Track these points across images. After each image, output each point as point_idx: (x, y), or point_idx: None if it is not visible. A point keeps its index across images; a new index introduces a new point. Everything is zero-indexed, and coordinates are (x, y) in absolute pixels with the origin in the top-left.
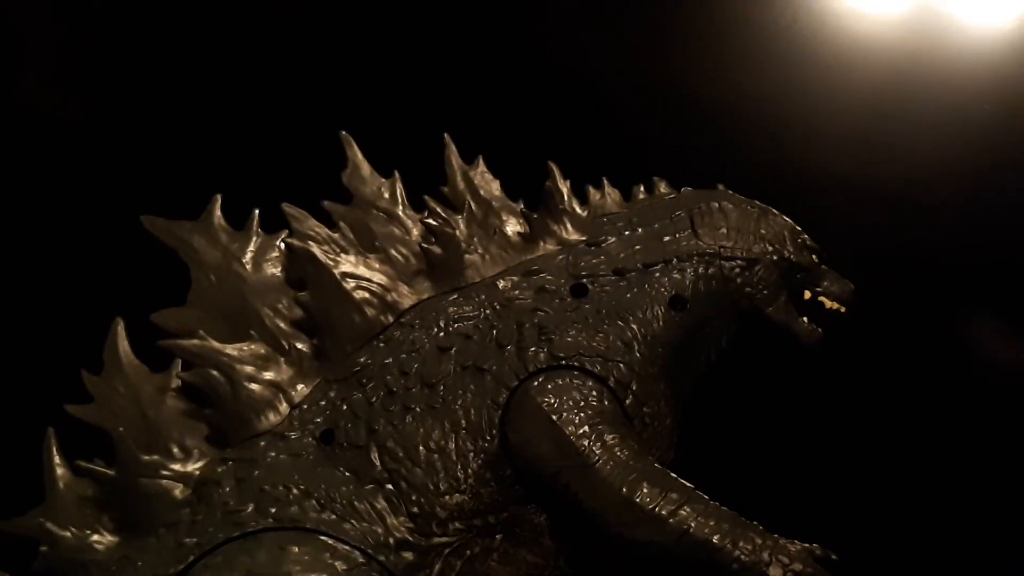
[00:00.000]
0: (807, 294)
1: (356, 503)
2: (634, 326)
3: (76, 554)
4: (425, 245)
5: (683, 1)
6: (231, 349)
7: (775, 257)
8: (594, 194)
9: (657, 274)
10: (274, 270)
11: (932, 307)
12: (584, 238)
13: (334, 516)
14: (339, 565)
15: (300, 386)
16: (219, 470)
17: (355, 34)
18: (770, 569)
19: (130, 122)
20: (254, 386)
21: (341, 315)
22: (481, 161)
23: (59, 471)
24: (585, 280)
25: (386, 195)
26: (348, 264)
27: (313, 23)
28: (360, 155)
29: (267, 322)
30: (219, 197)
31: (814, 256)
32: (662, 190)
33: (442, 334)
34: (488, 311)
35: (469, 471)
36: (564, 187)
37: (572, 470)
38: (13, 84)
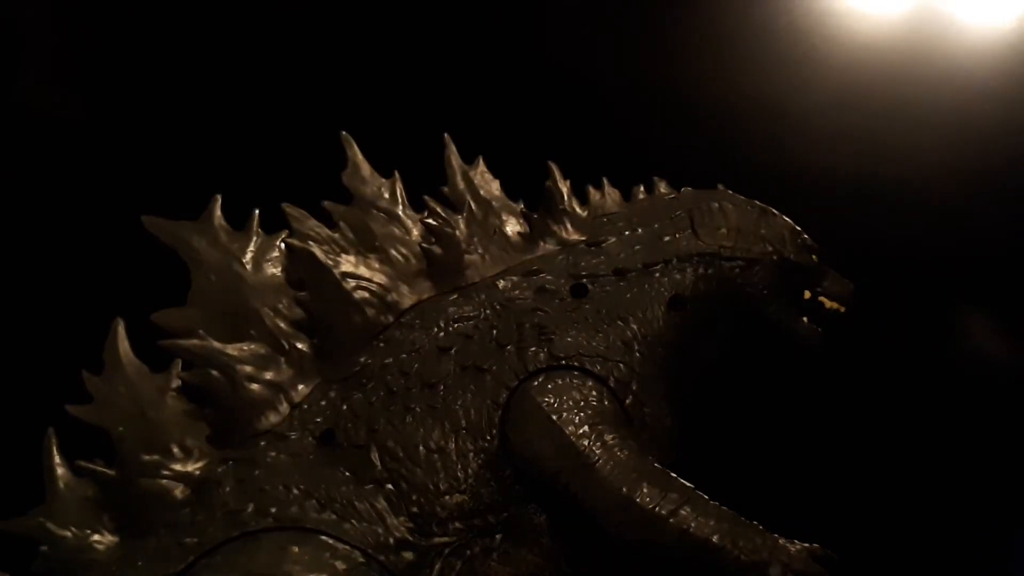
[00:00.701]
0: (807, 294)
1: (356, 503)
2: (634, 326)
3: (76, 554)
4: (425, 245)
5: (683, 1)
6: (231, 349)
7: (775, 257)
8: (594, 194)
9: (657, 274)
10: (274, 270)
11: (932, 307)
12: (584, 238)
13: (334, 516)
14: (339, 565)
15: (300, 386)
16: (219, 470)
17: (355, 34)
18: (770, 569)
19: (130, 122)
20: (254, 386)
21: (341, 315)
22: (481, 161)
23: (59, 471)
24: (585, 280)
25: (386, 195)
26: (348, 264)
27: (313, 23)
28: (360, 155)
29: (267, 322)
30: (219, 197)
31: (814, 256)
32: (662, 190)
33: (442, 334)
34: (488, 311)
35: (469, 471)
36: (564, 187)
37: (572, 470)
38: (13, 84)
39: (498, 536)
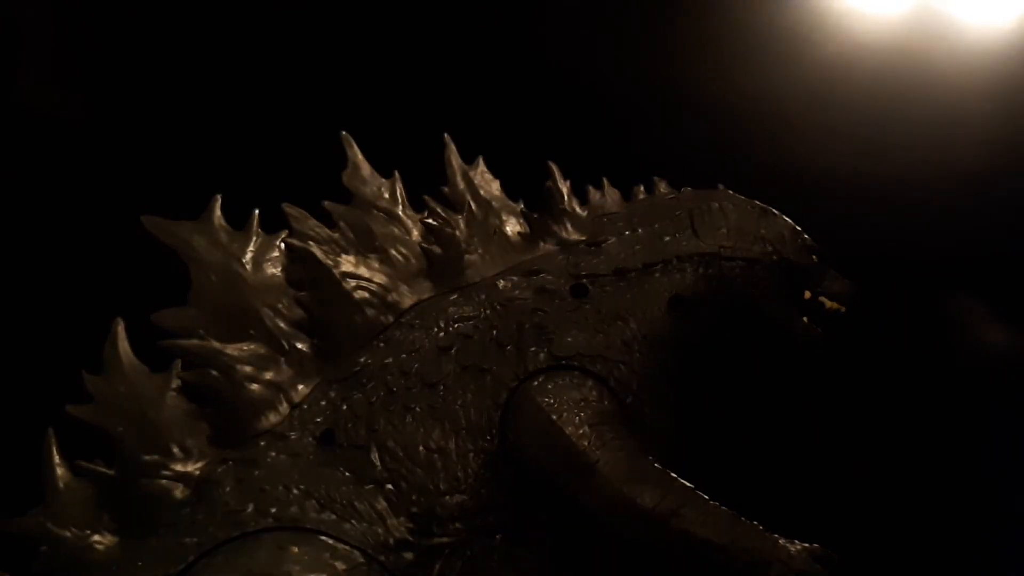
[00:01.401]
0: (807, 294)
1: (356, 503)
2: (634, 326)
3: (76, 554)
4: (425, 245)
5: (683, 1)
6: (231, 349)
7: (775, 257)
8: (594, 194)
9: (657, 274)
10: (274, 270)
11: (932, 307)
12: (584, 238)
13: (334, 516)
14: (339, 565)
15: (300, 386)
16: (219, 470)
17: (355, 34)
18: (770, 569)
19: (130, 122)
20: (254, 386)
21: (341, 315)
22: (481, 161)
23: (59, 471)
24: (585, 280)
25: (386, 195)
26: (348, 264)
27: (313, 23)
28: (360, 155)
29: (267, 322)
30: (219, 197)
31: (814, 256)
32: (662, 190)
33: (442, 334)
34: (488, 311)
35: (469, 471)
36: (564, 187)
37: (572, 470)
38: (13, 84)
39: (498, 536)
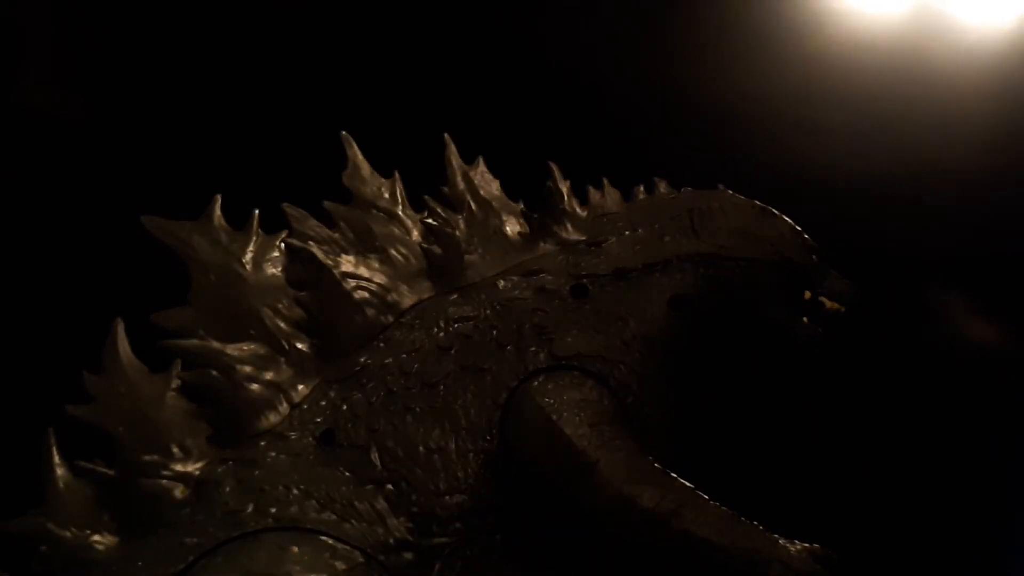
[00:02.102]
0: (807, 294)
1: (356, 503)
2: (634, 326)
3: (76, 554)
4: (425, 245)
5: (683, 1)
6: (231, 349)
7: (775, 257)
8: (594, 194)
9: (657, 274)
10: (274, 270)
11: (932, 307)
12: (584, 238)
13: (334, 516)
14: (339, 565)
15: (300, 386)
16: (219, 470)
17: (355, 34)
18: (770, 569)
19: (130, 122)
20: (254, 386)
21: (341, 315)
22: (481, 161)
23: (59, 471)
24: (585, 280)
25: (386, 195)
26: (348, 264)
27: (313, 23)
28: (360, 155)
29: (267, 322)
30: (219, 197)
31: (814, 256)
32: (662, 190)
33: (442, 334)
34: (488, 311)
35: (469, 471)
36: (564, 187)
37: (572, 470)
38: (13, 84)
39: (498, 536)
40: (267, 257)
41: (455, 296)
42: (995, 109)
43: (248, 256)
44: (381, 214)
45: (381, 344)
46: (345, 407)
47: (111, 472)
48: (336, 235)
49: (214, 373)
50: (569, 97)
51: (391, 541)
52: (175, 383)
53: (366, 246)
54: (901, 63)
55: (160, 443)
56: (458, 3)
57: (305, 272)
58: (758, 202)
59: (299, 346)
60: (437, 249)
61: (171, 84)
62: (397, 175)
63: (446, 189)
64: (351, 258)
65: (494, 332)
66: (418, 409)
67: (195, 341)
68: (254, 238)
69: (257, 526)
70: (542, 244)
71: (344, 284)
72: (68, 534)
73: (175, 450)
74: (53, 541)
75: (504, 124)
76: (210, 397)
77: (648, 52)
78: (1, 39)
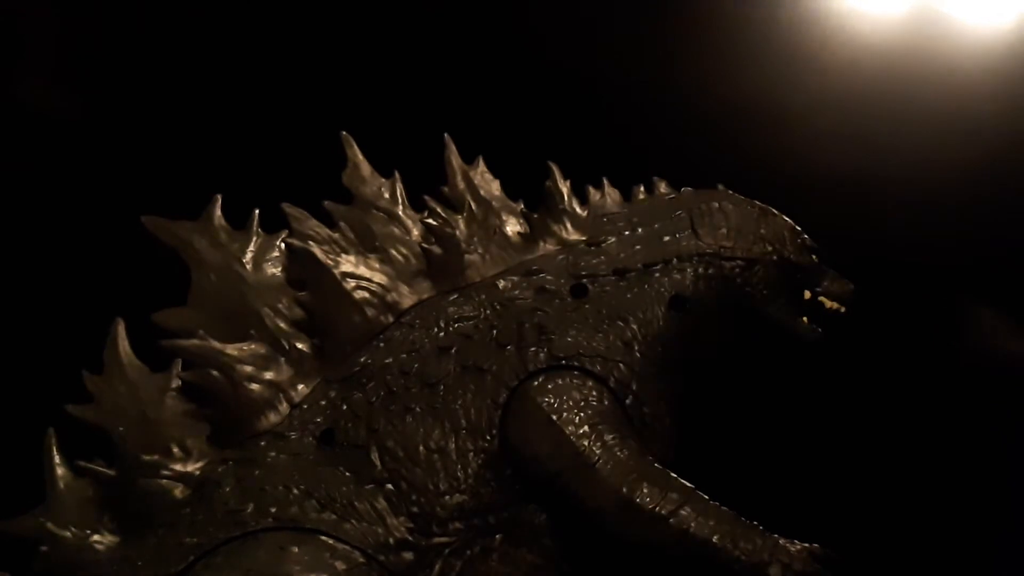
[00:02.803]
0: (807, 294)
1: (356, 503)
2: (634, 326)
3: (76, 554)
4: (425, 245)
5: (683, 1)
6: (231, 349)
7: (775, 257)
8: (594, 194)
9: (657, 274)
10: (274, 270)
11: (932, 307)
12: (584, 238)
13: (334, 516)
14: (339, 565)
15: (300, 386)
16: (219, 470)
17: (355, 34)
18: (770, 569)
19: (130, 122)
20: (254, 386)
21: (341, 315)
22: (481, 161)
23: (59, 471)
24: (585, 280)
25: (386, 195)
26: (348, 264)
27: (313, 23)
28: (360, 155)
29: (267, 322)
30: (219, 197)
31: (814, 256)
32: (662, 190)
33: (442, 334)
34: (488, 311)
35: (469, 471)
36: (564, 187)
37: (572, 470)
38: (13, 84)
39: (498, 536)
40: (267, 257)
41: (455, 296)
42: (995, 109)
43: (248, 256)
44: (381, 214)
45: (381, 344)
46: (345, 407)
47: (111, 472)
48: (336, 235)
49: (214, 373)
50: (569, 97)
51: (391, 541)
52: (175, 383)
53: (366, 246)
54: (901, 63)
55: (160, 443)
56: (458, 3)
57: (305, 272)
58: (758, 202)
59: (299, 346)
60: (437, 249)
61: (171, 84)
62: (397, 175)
63: (446, 189)
64: (351, 258)
65: (494, 332)
66: (418, 409)
67: (195, 341)
68: (254, 238)
69: (257, 526)
70: (542, 244)
71: (344, 284)
72: (68, 534)
73: (175, 450)
74: (53, 541)
75: (504, 124)
76: (210, 397)
77: (648, 52)
78: (1, 39)
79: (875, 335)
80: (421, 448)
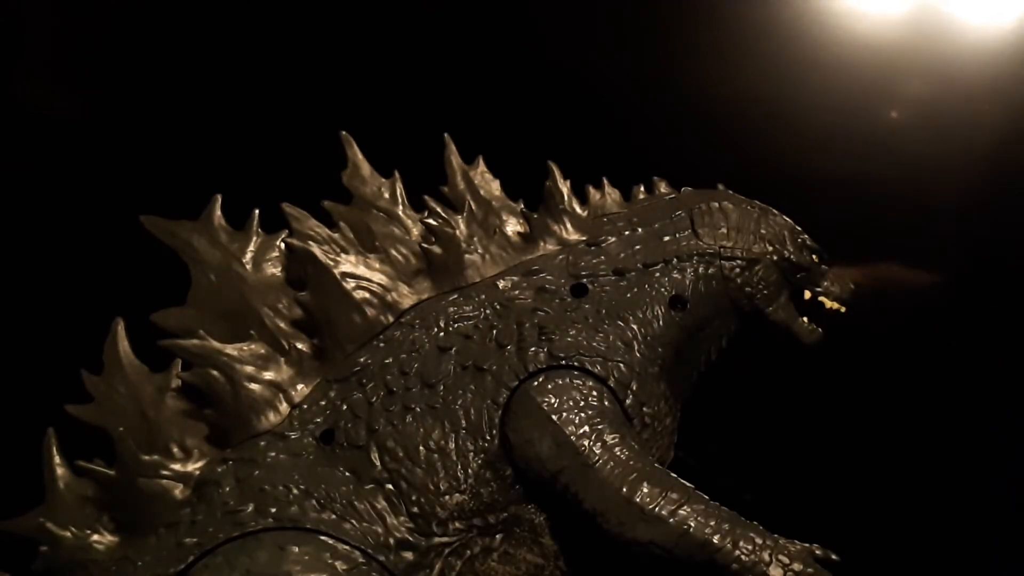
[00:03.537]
0: (807, 294)
1: (356, 503)
2: (634, 326)
3: (76, 554)
4: (425, 245)
5: (683, 1)
6: (231, 349)
7: (775, 257)
8: (594, 194)
9: (657, 274)
10: (274, 270)
11: (931, 307)
12: (584, 238)
13: (334, 516)
14: (339, 565)
15: (300, 386)
16: (219, 470)
17: (355, 34)
18: (770, 569)
19: (130, 122)
20: (254, 386)
21: (341, 315)
22: (481, 161)
23: (59, 471)
24: (585, 280)
25: (386, 195)
26: (348, 264)
27: (313, 23)
28: (360, 155)
29: (267, 322)
30: (219, 197)
31: (814, 256)
32: (662, 190)
33: (442, 334)
34: (488, 311)
35: (469, 471)
36: (564, 187)
37: (572, 470)
38: (13, 83)
39: (498, 536)
40: (267, 257)
41: (455, 296)
42: (995, 109)
43: (248, 256)
44: (381, 214)
45: (381, 344)
46: (345, 407)
47: (111, 472)
48: (336, 235)
49: (214, 373)
50: (569, 97)
51: (391, 541)
52: (175, 383)
53: (366, 246)
54: (901, 63)
55: (160, 443)
56: (458, 3)
57: (305, 272)
58: (758, 202)
59: (299, 346)
60: (437, 249)
61: (171, 84)
62: (397, 175)
63: (446, 189)
64: (351, 258)
65: (494, 332)
66: (418, 409)
67: (195, 341)
68: (254, 238)
69: (257, 526)
70: (542, 244)
71: (344, 284)
72: (68, 534)
73: (175, 450)
74: (53, 541)
75: (504, 124)
76: (210, 397)
77: (648, 52)
78: (1, 39)
79: (875, 335)
80: (421, 448)
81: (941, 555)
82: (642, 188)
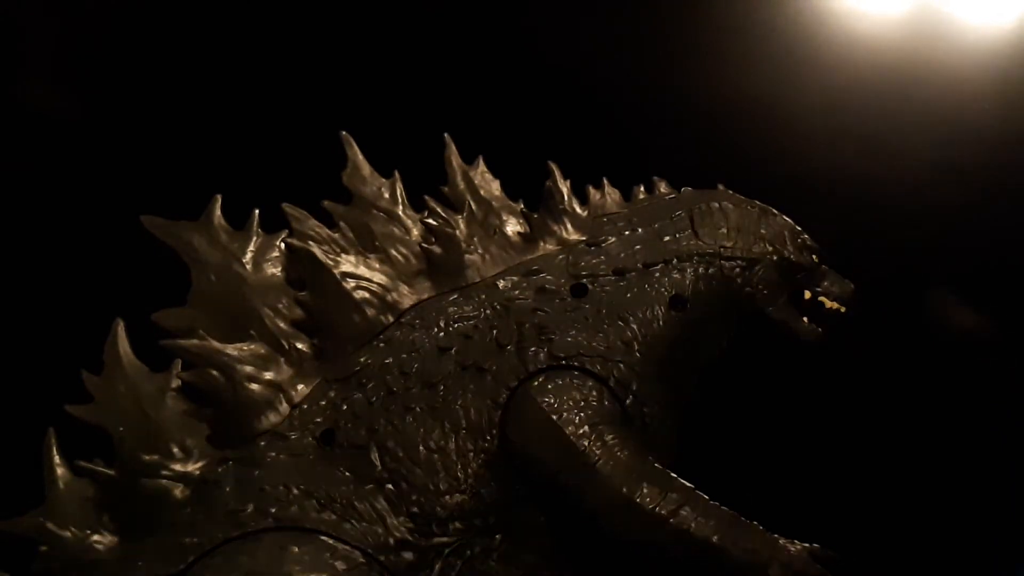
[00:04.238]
0: (807, 294)
1: (356, 503)
2: (634, 326)
3: (76, 554)
4: (425, 245)
5: (683, 1)
6: (231, 349)
7: (775, 257)
8: (594, 194)
9: (657, 274)
10: (274, 270)
11: (932, 308)
12: (584, 238)
13: (334, 516)
14: (339, 565)
15: (300, 386)
16: (219, 470)
17: (355, 34)
18: (770, 569)
19: (130, 122)
20: (254, 386)
21: (341, 315)
22: (481, 161)
23: (59, 471)
24: (585, 280)
25: (386, 195)
26: (348, 264)
27: (313, 23)
28: (360, 155)
29: (267, 322)
30: (219, 197)
31: (814, 256)
32: (662, 190)
33: (442, 334)
34: (488, 311)
35: (469, 471)
36: (564, 187)
37: (572, 470)
38: (13, 84)
39: (498, 536)
40: (267, 257)
41: (455, 296)
42: (995, 109)
43: (248, 256)
44: (381, 214)
45: (381, 344)
46: (345, 407)
47: (111, 472)
48: (336, 235)
49: (214, 373)
50: (569, 97)
51: (391, 541)
52: (175, 383)
53: (366, 246)
54: (901, 63)
55: (160, 443)
56: (458, 3)
57: (305, 272)
58: (758, 202)
59: (299, 346)
60: (437, 249)
61: (171, 84)
62: (397, 175)
63: (446, 189)
64: (351, 258)
65: (494, 332)
66: (418, 409)
67: (195, 341)
68: (254, 238)
69: (257, 526)
70: (542, 244)
71: (344, 284)
72: (68, 534)
73: (175, 450)
74: (53, 541)
75: (504, 124)
76: (210, 397)
77: (648, 52)
78: (1, 39)
79: (875, 335)
80: (421, 448)
81: (941, 555)
82: (642, 188)
